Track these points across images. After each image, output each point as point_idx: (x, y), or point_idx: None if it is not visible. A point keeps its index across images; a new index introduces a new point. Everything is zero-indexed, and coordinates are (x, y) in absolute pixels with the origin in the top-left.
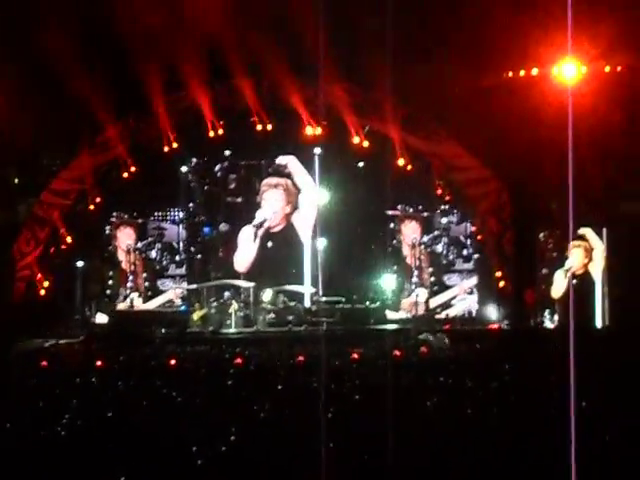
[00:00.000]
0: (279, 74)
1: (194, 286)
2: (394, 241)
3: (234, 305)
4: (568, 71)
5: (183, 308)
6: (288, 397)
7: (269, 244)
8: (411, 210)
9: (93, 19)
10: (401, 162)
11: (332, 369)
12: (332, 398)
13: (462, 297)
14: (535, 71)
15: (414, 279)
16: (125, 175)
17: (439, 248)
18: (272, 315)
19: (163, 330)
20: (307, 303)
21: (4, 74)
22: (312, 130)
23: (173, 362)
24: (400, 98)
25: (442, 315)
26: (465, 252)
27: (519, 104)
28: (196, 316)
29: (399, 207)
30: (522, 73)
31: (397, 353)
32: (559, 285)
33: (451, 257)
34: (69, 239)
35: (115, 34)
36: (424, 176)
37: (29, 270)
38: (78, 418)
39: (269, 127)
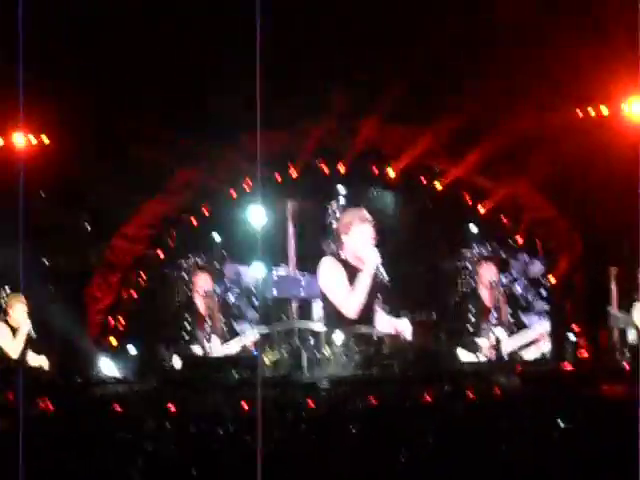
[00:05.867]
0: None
1: (266, 330)
2: (471, 282)
3: (333, 348)
4: (638, 109)
5: (255, 352)
6: (361, 440)
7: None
8: (488, 251)
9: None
10: (472, 202)
11: (404, 411)
12: (405, 441)
13: (540, 339)
14: (606, 110)
15: (492, 320)
16: (196, 220)
17: (518, 289)
18: (344, 358)
19: (235, 375)
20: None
21: (78, 122)
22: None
23: (245, 406)
24: (469, 138)
25: (520, 357)
26: (544, 292)
27: (589, 143)
28: (267, 360)
29: (474, 248)
30: (592, 111)
31: (470, 395)
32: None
33: (530, 297)
34: (142, 284)
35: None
36: (495, 216)
37: (102, 315)
38: (151, 463)
39: (342, 169)
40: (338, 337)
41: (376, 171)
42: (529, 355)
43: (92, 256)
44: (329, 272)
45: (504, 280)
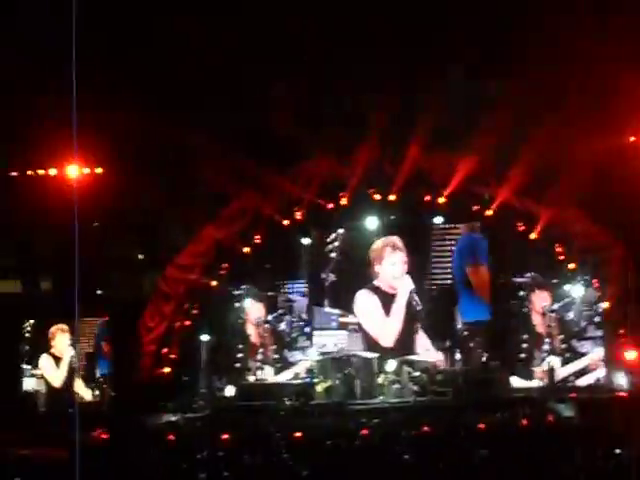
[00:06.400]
0: (402, 144)
1: (319, 358)
2: (524, 309)
3: (386, 376)
4: None
5: (308, 380)
6: (415, 467)
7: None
8: (540, 278)
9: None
10: (524, 229)
11: (458, 439)
12: (460, 468)
13: (594, 366)
14: None
15: (545, 347)
16: (249, 248)
17: (570, 315)
18: (397, 385)
19: (288, 402)
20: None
21: (130, 153)
22: (433, 200)
23: (299, 434)
24: (519, 165)
25: (573, 383)
26: (597, 319)
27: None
28: (320, 387)
29: (528, 275)
30: None
31: (524, 422)
32: None
33: (583, 324)
34: (195, 313)
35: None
36: (547, 243)
37: (155, 345)
38: None
39: (391, 197)
40: (390, 365)
41: (426, 198)
42: (582, 382)
43: (146, 286)
44: (364, 304)
45: (557, 307)
